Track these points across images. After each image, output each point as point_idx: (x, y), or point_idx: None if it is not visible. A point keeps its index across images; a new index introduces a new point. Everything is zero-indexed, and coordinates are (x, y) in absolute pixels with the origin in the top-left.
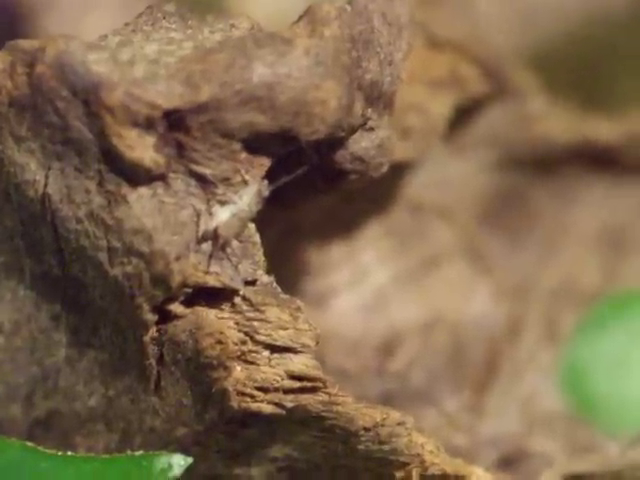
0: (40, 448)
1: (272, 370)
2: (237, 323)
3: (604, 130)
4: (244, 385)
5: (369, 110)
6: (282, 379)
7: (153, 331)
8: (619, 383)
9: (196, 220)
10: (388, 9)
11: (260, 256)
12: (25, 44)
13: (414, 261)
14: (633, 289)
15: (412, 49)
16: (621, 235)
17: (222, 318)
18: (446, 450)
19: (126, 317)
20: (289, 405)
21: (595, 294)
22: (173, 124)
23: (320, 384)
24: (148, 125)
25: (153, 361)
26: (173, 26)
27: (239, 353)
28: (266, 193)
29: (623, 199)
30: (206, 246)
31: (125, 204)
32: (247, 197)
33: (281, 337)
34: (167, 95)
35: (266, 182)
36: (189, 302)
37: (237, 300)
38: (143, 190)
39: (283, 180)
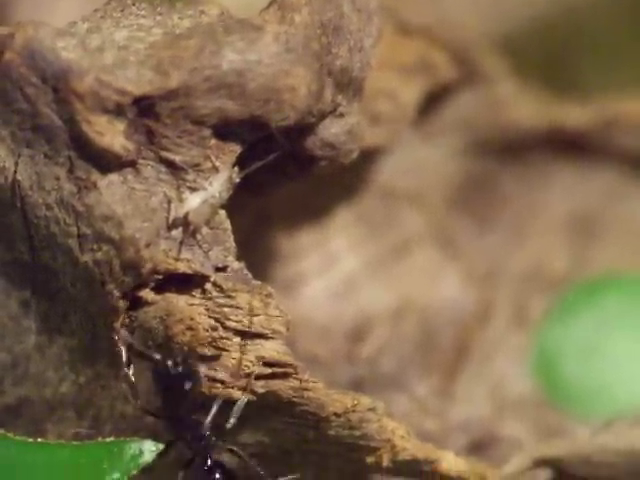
0: (10, 435)
1: (243, 356)
2: (208, 309)
3: (573, 115)
4: (215, 371)
5: (339, 96)
6: (253, 365)
7: (124, 318)
8: (589, 368)
9: (166, 207)
10: None
11: (231, 242)
12: None
13: (384, 247)
14: (603, 274)
15: (382, 35)
16: (590, 220)
17: (193, 304)
18: (416, 435)
19: (96, 304)
20: (260, 391)
21: (564, 279)
22: (143, 110)
23: (291, 370)
24: (118, 111)
25: (124, 348)
26: (142, 12)
27: (210, 339)
28: (237, 179)
29: (592, 184)
30: (177, 233)
31: (95, 191)
32: (217, 183)
33: (252, 323)
34: (137, 81)
35: (237, 168)
36: (159, 289)
37: (208, 286)
38: (113, 177)
39: (254, 166)
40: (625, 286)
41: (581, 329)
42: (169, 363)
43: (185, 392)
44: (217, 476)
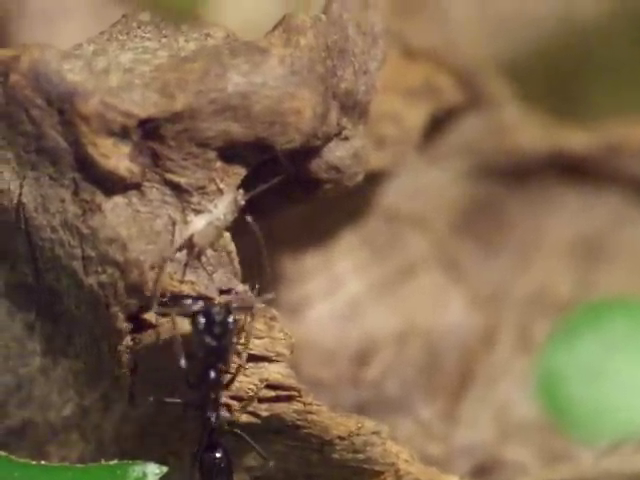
0: (13, 457)
1: (247, 379)
2: None
3: (578, 140)
4: None
5: (344, 119)
6: (257, 388)
7: (128, 340)
8: (593, 392)
9: (171, 229)
10: (362, 18)
11: (235, 265)
12: None
13: (389, 270)
14: (607, 298)
15: (387, 58)
16: (595, 244)
17: None
18: (421, 459)
19: (101, 326)
20: (264, 414)
21: (569, 303)
22: (148, 133)
23: (295, 393)
24: (123, 134)
25: (127, 370)
26: (148, 35)
27: None
28: (242, 202)
29: (597, 209)
30: (181, 255)
31: (100, 213)
32: (222, 206)
33: (256, 346)
34: (142, 104)
35: (241, 191)
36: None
37: None
38: (118, 199)
39: (259, 189)
40: (630, 309)
41: (586, 352)
42: (213, 309)
43: (221, 340)
44: (218, 455)
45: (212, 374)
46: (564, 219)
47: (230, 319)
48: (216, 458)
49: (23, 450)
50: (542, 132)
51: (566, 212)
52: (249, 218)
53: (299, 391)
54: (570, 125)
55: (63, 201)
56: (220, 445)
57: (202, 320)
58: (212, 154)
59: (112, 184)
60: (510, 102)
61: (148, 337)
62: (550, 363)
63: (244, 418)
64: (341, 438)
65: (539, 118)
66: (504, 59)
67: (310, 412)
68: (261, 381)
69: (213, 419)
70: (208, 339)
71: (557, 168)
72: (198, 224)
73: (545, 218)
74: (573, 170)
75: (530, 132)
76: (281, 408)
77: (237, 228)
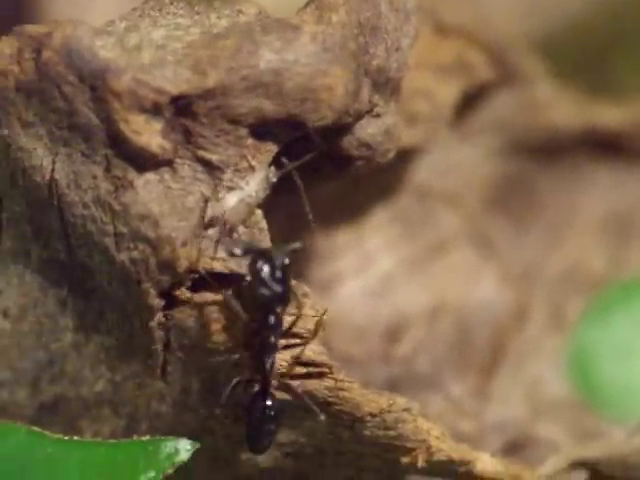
0: (46, 432)
1: (278, 356)
2: None
3: (611, 116)
4: None
5: (376, 96)
6: (288, 365)
7: (160, 316)
8: (625, 369)
9: (203, 206)
10: None
11: (267, 242)
12: (32, 29)
13: (420, 247)
14: None
15: (419, 35)
16: (628, 221)
17: None
18: (452, 436)
19: (133, 302)
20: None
21: (601, 280)
22: (180, 110)
23: (326, 370)
24: (155, 111)
25: (160, 346)
26: (180, 12)
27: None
28: (273, 179)
29: (630, 185)
30: (213, 232)
31: (132, 190)
32: (254, 183)
33: (287, 323)
34: (174, 81)
35: (273, 168)
36: (196, 287)
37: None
38: (150, 176)
39: (290, 166)
40: None
41: (617, 330)
42: (272, 253)
43: (282, 283)
44: (268, 403)
45: (272, 319)
46: (596, 196)
47: (287, 261)
48: (266, 406)
49: (56, 425)
50: (575, 109)
51: (598, 189)
52: (285, 160)
53: (331, 368)
54: (603, 102)
55: (95, 177)
56: (271, 393)
57: (264, 266)
58: (244, 131)
59: (144, 161)
60: (542, 79)
61: (180, 313)
62: (582, 341)
63: (276, 394)
64: (372, 415)
65: (572, 95)
66: (537, 35)
67: (341, 389)
68: (293, 358)
69: (268, 365)
70: (271, 283)
71: (590, 145)
72: (230, 201)
73: (577, 195)
74: (606, 147)
75: (563, 109)
76: (313, 385)
77: (269, 205)
